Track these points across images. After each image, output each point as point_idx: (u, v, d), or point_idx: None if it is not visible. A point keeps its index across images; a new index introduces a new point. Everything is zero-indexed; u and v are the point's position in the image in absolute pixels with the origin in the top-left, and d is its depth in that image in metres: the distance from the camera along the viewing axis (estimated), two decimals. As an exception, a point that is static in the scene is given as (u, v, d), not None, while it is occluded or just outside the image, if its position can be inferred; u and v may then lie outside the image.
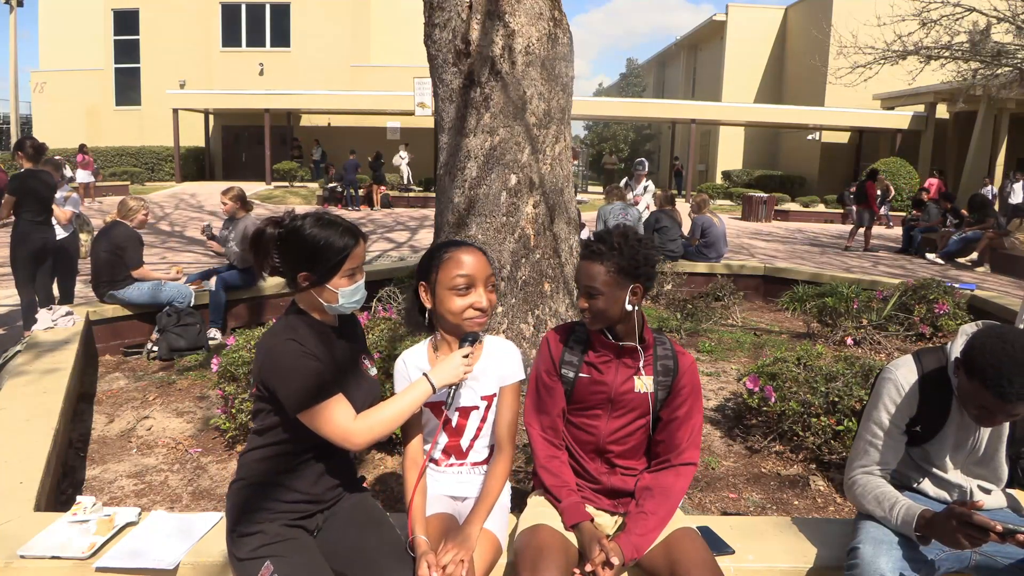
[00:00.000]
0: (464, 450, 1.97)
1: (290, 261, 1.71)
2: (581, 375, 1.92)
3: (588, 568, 1.67)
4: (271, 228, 1.72)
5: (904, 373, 1.88)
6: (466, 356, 1.81)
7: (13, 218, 5.21)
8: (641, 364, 1.89)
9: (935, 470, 1.93)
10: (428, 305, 1.86)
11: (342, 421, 1.68)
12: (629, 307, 1.86)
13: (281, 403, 1.67)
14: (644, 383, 1.89)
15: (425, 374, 1.78)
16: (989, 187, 16.80)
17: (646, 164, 9.60)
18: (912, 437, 1.91)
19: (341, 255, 1.68)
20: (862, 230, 13.27)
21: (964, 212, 12.52)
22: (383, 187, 20.03)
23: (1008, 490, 2.01)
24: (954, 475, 1.92)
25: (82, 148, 18.77)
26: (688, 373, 1.91)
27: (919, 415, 1.87)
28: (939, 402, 1.85)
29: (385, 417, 1.74)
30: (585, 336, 1.95)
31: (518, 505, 2.06)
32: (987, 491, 1.93)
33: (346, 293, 1.72)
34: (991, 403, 1.65)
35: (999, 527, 1.55)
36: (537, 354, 2.04)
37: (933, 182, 16.89)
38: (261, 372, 1.67)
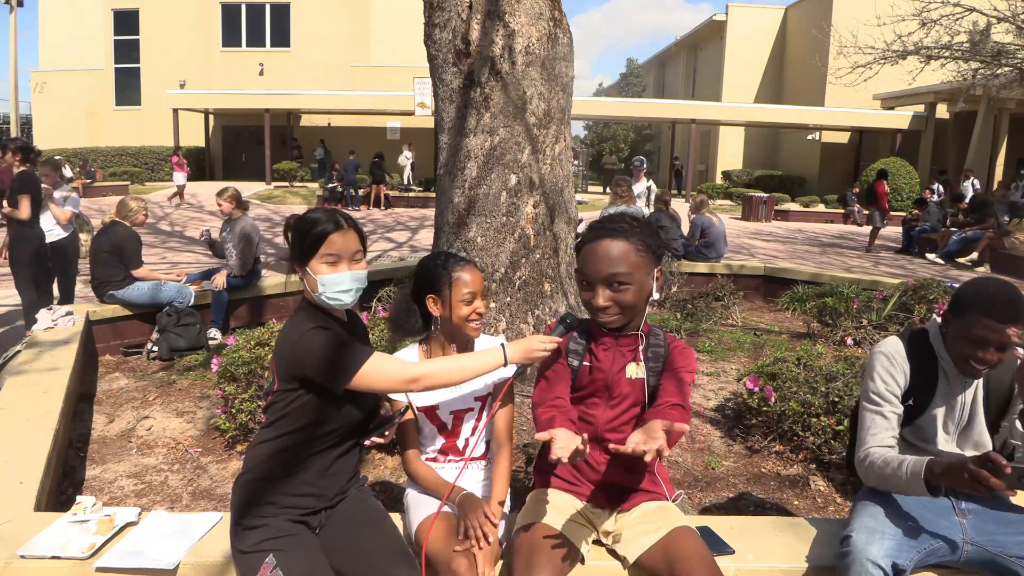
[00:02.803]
0: (461, 448, 2.04)
1: (291, 250, 1.77)
2: (584, 363, 1.90)
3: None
4: (292, 220, 1.79)
5: (892, 344, 2.00)
6: (549, 342, 1.77)
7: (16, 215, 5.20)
8: (637, 351, 1.87)
9: (929, 446, 1.97)
10: (436, 314, 1.95)
11: (398, 367, 1.72)
12: (657, 295, 1.78)
13: (320, 389, 1.68)
14: (637, 369, 1.87)
15: (502, 344, 1.79)
16: (936, 184, 17.12)
17: (644, 161, 9.51)
18: (906, 413, 1.97)
19: (318, 237, 1.71)
20: (873, 228, 13.30)
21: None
22: (382, 187, 20.02)
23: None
24: (946, 446, 1.97)
25: (177, 150, 18.71)
26: (677, 349, 1.89)
27: (911, 386, 1.95)
28: (927, 370, 1.96)
29: (450, 368, 1.75)
30: (588, 324, 1.93)
31: (517, 505, 2.06)
32: None
33: (325, 281, 1.71)
34: (982, 329, 1.73)
35: (1008, 468, 1.50)
36: None
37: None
38: (291, 367, 1.68)
